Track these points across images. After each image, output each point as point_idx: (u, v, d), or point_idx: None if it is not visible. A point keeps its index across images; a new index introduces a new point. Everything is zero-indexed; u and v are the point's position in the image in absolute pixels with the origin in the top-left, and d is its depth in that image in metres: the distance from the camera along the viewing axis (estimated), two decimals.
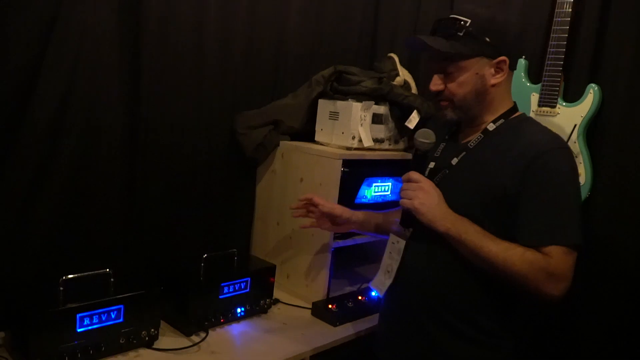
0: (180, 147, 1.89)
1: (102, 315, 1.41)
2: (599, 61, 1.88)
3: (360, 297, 1.95)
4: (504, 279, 1.28)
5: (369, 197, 2.06)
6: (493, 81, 1.35)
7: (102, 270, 1.47)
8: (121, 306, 1.44)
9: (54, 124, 1.57)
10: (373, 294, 1.99)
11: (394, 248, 1.47)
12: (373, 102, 1.97)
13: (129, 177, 1.78)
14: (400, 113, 2.04)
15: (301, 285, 1.98)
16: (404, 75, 2.18)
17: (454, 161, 1.41)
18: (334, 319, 1.79)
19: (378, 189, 2.09)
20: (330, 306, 1.84)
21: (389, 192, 2.15)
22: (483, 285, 1.34)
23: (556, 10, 1.88)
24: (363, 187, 2.01)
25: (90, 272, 1.45)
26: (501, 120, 1.40)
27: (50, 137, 1.57)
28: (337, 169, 1.85)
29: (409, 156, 2.11)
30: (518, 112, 1.43)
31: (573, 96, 1.90)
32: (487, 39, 1.32)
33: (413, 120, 2.01)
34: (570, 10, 1.85)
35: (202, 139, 1.95)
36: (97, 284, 1.46)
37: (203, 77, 1.90)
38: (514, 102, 1.44)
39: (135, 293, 1.48)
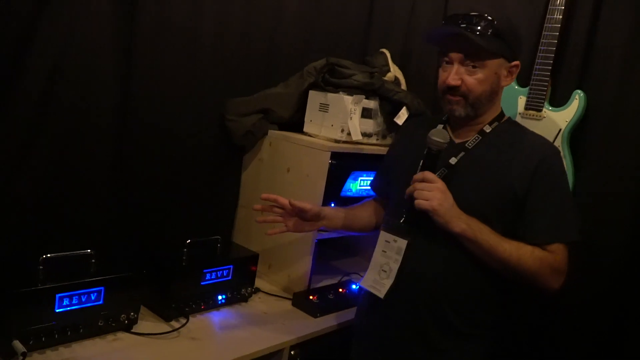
0: (169, 130, 1.87)
1: (82, 297, 1.39)
2: (587, 67, 1.92)
3: (341, 290, 1.96)
4: (513, 276, 1.34)
5: (354, 190, 2.07)
6: (504, 83, 1.41)
7: (83, 251, 1.45)
8: (102, 288, 1.42)
9: (42, 100, 1.53)
10: (354, 286, 2.00)
11: (391, 247, 1.44)
12: (364, 96, 1.98)
13: (115, 158, 1.75)
14: (390, 108, 2.05)
15: (283, 275, 1.98)
16: (395, 71, 2.19)
17: (453, 161, 1.41)
18: (315, 310, 1.79)
19: (364, 183, 2.10)
20: (311, 297, 1.85)
21: None
22: (486, 282, 1.39)
23: (547, 16, 1.91)
24: (349, 180, 2.01)
25: (71, 252, 1.43)
26: (495, 123, 1.44)
27: (37, 113, 1.53)
28: (326, 161, 1.85)
29: None
30: (506, 116, 1.49)
31: (559, 101, 1.93)
32: (508, 41, 1.36)
33: (402, 116, 2.02)
34: (560, 17, 1.87)
35: (191, 123, 1.93)
36: (78, 265, 1.44)
37: (196, 61, 1.88)
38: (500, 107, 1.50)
39: (116, 275, 1.46)
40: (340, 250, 2.51)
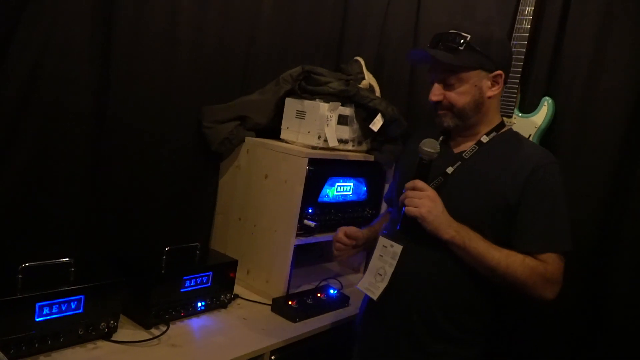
0: (146, 135, 1.86)
1: (62, 305, 1.38)
2: (554, 75, 1.99)
3: (319, 295, 1.98)
4: (504, 284, 1.37)
5: (330, 196, 2.10)
6: (490, 93, 1.44)
7: (62, 260, 1.43)
8: (82, 296, 1.41)
9: (19, 103, 1.52)
10: (332, 291, 2.02)
11: (387, 251, 1.49)
12: (340, 104, 2.01)
13: (92, 163, 1.73)
14: (365, 115, 2.09)
15: (261, 281, 1.99)
16: (369, 79, 2.23)
17: (449, 170, 1.45)
18: (294, 315, 1.81)
19: (340, 189, 2.13)
20: (290, 302, 1.86)
21: (350, 192, 2.19)
22: (476, 289, 1.42)
23: (516, 26, 1.98)
24: (326, 186, 2.04)
25: (50, 261, 1.41)
26: (493, 133, 1.48)
27: (14, 116, 1.52)
28: (303, 167, 1.87)
29: (371, 158, 2.17)
30: (506, 127, 1.53)
31: (528, 107, 2.00)
32: (486, 54, 1.40)
33: (377, 123, 2.06)
34: (529, 26, 1.95)
35: (168, 130, 1.93)
36: (57, 273, 1.42)
37: (173, 67, 1.89)
38: (502, 118, 1.54)
39: (96, 283, 1.46)
40: (316, 256, 2.53)
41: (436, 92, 1.45)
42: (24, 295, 1.31)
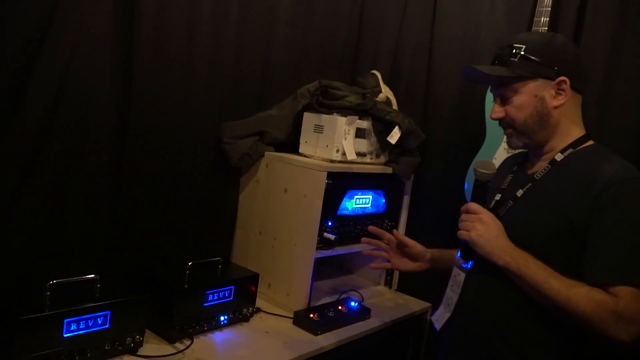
0: (167, 153, 1.90)
1: (89, 321, 1.40)
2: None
3: (340, 307, 1.99)
4: (567, 319, 1.22)
5: (350, 208, 2.11)
6: (555, 103, 1.32)
7: (88, 276, 1.46)
8: (108, 312, 1.44)
9: (43, 125, 1.56)
10: (353, 304, 2.03)
11: (455, 281, 1.44)
12: (357, 117, 2.03)
13: (114, 181, 1.78)
14: (382, 128, 2.10)
15: (282, 294, 2.01)
16: (386, 91, 2.25)
17: (519, 193, 1.37)
18: (316, 328, 1.82)
19: (359, 202, 2.14)
20: (311, 315, 1.87)
21: (369, 205, 2.20)
22: (547, 323, 1.28)
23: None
24: (345, 199, 2.06)
25: (77, 278, 1.44)
26: (570, 150, 1.34)
27: (38, 138, 1.56)
28: (322, 180, 1.89)
29: (389, 170, 2.18)
30: (589, 142, 1.37)
31: None
32: (543, 61, 1.31)
33: (394, 135, 2.07)
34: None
35: (188, 146, 1.96)
36: (83, 290, 1.45)
37: (192, 85, 1.93)
38: (586, 131, 1.39)
39: (122, 299, 1.48)
40: (336, 268, 2.54)
41: (495, 109, 1.38)
42: (52, 311, 1.34)
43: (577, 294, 1.18)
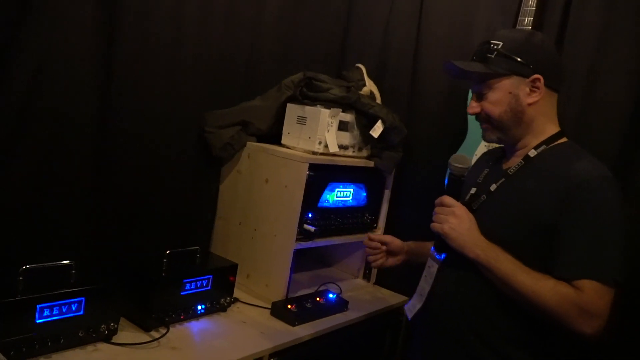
0: (148, 141, 1.88)
1: (63, 307, 1.38)
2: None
3: (318, 299, 1.99)
4: (534, 311, 1.25)
5: (330, 201, 2.11)
6: (529, 100, 1.34)
7: (63, 262, 1.45)
8: (82, 299, 1.42)
9: (20, 109, 1.53)
10: (331, 295, 2.04)
11: (429, 272, 1.46)
12: (340, 110, 2.03)
13: (94, 168, 1.75)
14: (365, 122, 2.11)
15: (261, 285, 2.00)
16: (370, 86, 2.26)
17: (493, 187, 1.40)
18: (293, 319, 1.82)
19: (340, 194, 2.15)
20: (289, 306, 1.87)
21: (350, 198, 2.20)
22: (517, 316, 1.30)
23: None
24: (326, 191, 2.06)
25: (51, 263, 1.43)
26: (543, 146, 1.37)
27: (16, 124, 1.53)
28: (304, 172, 1.89)
29: (371, 164, 2.18)
30: (563, 139, 1.39)
31: None
32: (519, 59, 1.33)
33: (377, 129, 2.08)
34: None
35: (170, 135, 1.94)
36: (58, 275, 1.43)
37: (175, 73, 1.90)
38: (561, 129, 1.42)
39: (97, 286, 1.47)
40: (315, 261, 2.55)
41: (472, 105, 1.42)
42: (24, 297, 1.31)
43: (544, 287, 1.21)
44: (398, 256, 1.76)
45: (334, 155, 2.03)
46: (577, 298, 1.19)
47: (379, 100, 2.25)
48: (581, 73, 1.92)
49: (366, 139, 2.15)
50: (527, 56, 1.33)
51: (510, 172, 1.39)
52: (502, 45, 1.34)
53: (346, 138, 2.08)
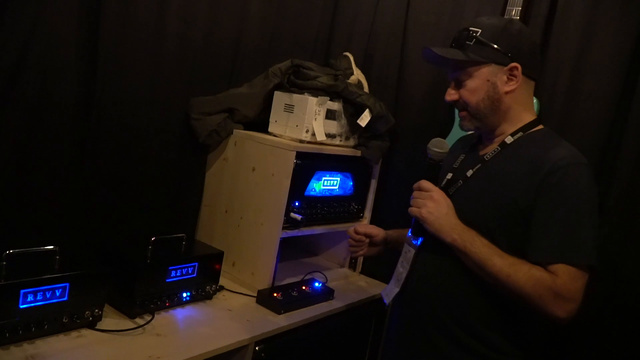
0: (133, 126, 1.86)
1: (47, 293, 1.37)
2: (539, 77, 2.02)
3: (304, 287, 2.00)
4: (509, 295, 1.26)
5: (317, 190, 2.11)
6: (507, 88, 1.35)
7: (48, 247, 1.43)
8: (67, 284, 1.41)
9: (4, 92, 1.51)
10: (317, 284, 2.04)
11: (406, 257, 1.46)
12: (328, 98, 2.02)
13: (78, 153, 1.73)
14: (352, 110, 2.10)
15: (247, 273, 2.00)
16: (357, 74, 2.25)
17: (469, 173, 1.40)
18: (279, 307, 1.82)
19: (327, 183, 2.15)
20: (275, 294, 1.87)
21: (337, 187, 2.20)
22: (492, 299, 1.31)
23: None
24: (313, 180, 2.06)
25: (35, 248, 1.41)
26: (520, 133, 1.38)
27: None
28: (291, 160, 1.88)
29: (358, 153, 2.19)
30: (539, 126, 1.41)
31: None
32: (497, 47, 1.33)
33: (365, 118, 2.07)
34: None
35: (155, 121, 1.92)
36: (42, 261, 1.42)
37: (161, 58, 1.88)
38: (537, 116, 1.43)
39: (81, 272, 1.45)
40: (301, 250, 2.55)
41: (449, 92, 1.42)
42: (7, 282, 1.30)
43: (519, 272, 1.23)
44: (380, 246, 1.77)
45: (321, 143, 2.03)
46: (551, 282, 1.21)
47: (366, 89, 2.25)
48: (566, 66, 1.94)
49: (353, 127, 2.15)
50: (505, 44, 1.34)
51: (487, 158, 1.40)
52: (481, 32, 1.34)
53: (333, 127, 2.08)
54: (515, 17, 1.96)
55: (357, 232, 1.75)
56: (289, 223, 1.95)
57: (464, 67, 1.37)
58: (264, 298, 1.87)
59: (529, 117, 1.40)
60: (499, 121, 1.40)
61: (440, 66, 1.45)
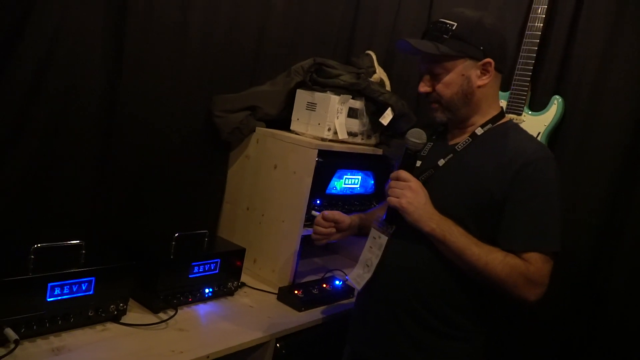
0: (157, 123, 1.88)
1: (73, 286, 1.39)
2: (564, 74, 2.00)
3: (324, 285, 2.00)
4: (484, 282, 1.32)
5: (338, 188, 2.11)
6: (479, 83, 1.38)
7: (74, 242, 1.45)
8: (92, 278, 1.43)
9: (31, 88, 1.54)
10: (337, 282, 2.04)
11: (375, 243, 1.47)
12: (350, 96, 2.02)
13: (102, 149, 1.75)
14: (374, 109, 2.10)
15: (267, 270, 2.01)
16: (380, 72, 2.24)
17: (441, 162, 1.42)
18: (300, 304, 1.83)
19: (348, 182, 2.15)
20: (296, 292, 1.88)
21: (358, 185, 2.20)
22: (462, 285, 1.36)
23: (528, 24, 1.99)
24: (334, 178, 2.06)
25: (62, 242, 1.43)
26: (489, 125, 1.42)
27: (26, 101, 1.53)
28: (313, 158, 1.89)
29: (380, 151, 2.18)
30: (505, 118, 1.46)
31: (538, 105, 2.01)
32: (472, 41, 1.35)
33: (387, 116, 2.07)
34: (541, 25, 1.96)
35: (178, 118, 1.94)
36: (68, 255, 1.44)
37: (185, 56, 1.90)
38: (502, 108, 1.48)
39: (107, 266, 1.48)
40: (321, 248, 2.55)
41: (424, 84, 1.43)
42: (36, 275, 1.33)
43: (495, 260, 1.29)
44: (345, 232, 1.69)
45: (342, 142, 2.03)
46: (525, 269, 1.28)
47: (388, 88, 2.24)
48: (592, 64, 1.92)
49: (375, 126, 2.14)
50: (479, 39, 1.36)
51: (458, 148, 1.43)
52: (457, 26, 1.35)
53: (355, 125, 2.08)
54: (542, 16, 1.94)
55: (325, 219, 1.66)
56: (310, 221, 1.95)
57: (439, 61, 1.38)
58: (284, 295, 1.88)
59: (496, 109, 1.45)
60: (470, 113, 1.43)
61: (413, 55, 1.44)
